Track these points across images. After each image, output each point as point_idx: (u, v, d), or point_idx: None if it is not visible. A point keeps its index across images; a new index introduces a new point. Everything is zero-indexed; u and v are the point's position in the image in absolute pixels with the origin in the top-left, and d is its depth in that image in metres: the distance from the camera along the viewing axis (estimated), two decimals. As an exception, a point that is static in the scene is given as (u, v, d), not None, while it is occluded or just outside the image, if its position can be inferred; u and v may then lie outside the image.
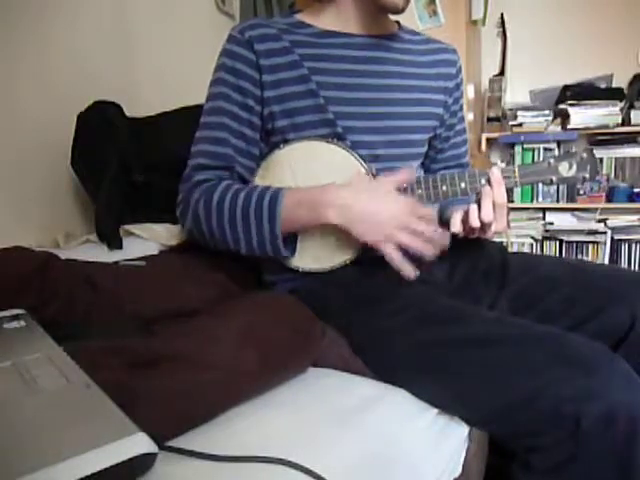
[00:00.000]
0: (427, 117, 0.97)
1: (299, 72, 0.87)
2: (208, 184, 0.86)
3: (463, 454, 0.72)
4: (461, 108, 1.07)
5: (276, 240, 0.81)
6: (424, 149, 1.01)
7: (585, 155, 0.86)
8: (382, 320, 0.77)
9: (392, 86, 0.93)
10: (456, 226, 0.86)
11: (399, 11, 0.88)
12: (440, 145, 1.06)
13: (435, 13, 1.32)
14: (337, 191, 0.80)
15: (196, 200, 0.86)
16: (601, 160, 2.76)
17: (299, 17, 0.94)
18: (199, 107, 0.92)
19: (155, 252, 1.06)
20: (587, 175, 0.86)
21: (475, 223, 0.83)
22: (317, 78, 0.88)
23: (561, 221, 2.86)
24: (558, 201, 2.84)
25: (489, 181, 0.83)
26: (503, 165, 2.88)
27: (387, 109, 0.92)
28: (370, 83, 0.91)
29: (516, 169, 0.85)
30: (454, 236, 1.02)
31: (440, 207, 1.05)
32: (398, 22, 1.01)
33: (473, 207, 0.83)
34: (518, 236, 2.92)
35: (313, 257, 0.88)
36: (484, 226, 0.83)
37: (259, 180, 0.90)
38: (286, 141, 0.89)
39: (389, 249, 0.78)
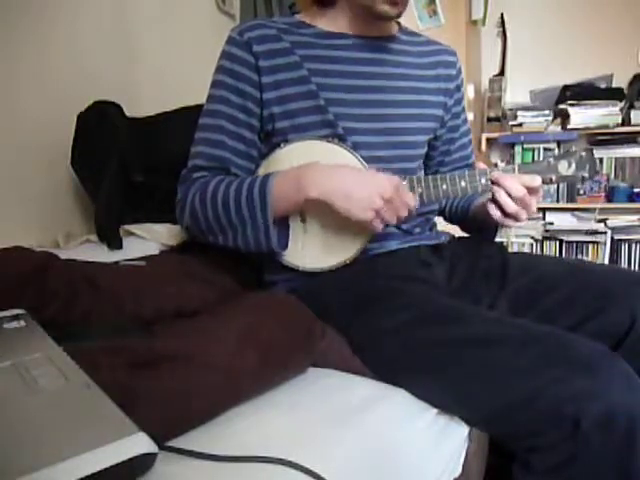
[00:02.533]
0: (427, 119, 0.98)
1: (299, 73, 0.87)
2: (203, 180, 0.87)
3: (463, 454, 0.72)
4: (464, 110, 1.07)
5: (267, 223, 0.81)
6: (424, 150, 1.01)
7: (584, 154, 0.86)
8: (382, 320, 0.77)
9: (392, 88, 0.93)
10: (497, 214, 0.86)
11: (393, 19, 0.89)
12: (446, 147, 1.06)
13: (435, 13, 1.32)
14: (318, 167, 0.81)
15: (192, 195, 0.87)
16: (601, 160, 2.77)
17: (300, 17, 0.94)
18: (199, 107, 0.92)
19: (155, 252, 1.06)
20: (586, 174, 0.87)
21: (511, 208, 0.83)
22: (317, 79, 0.88)
23: (561, 221, 2.86)
24: (558, 201, 2.85)
25: (493, 182, 0.84)
26: (503, 165, 2.89)
27: (387, 111, 0.92)
28: (370, 85, 0.91)
29: (516, 168, 0.85)
30: (454, 235, 1.03)
31: (461, 205, 1.06)
32: (399, 23, 1.01)
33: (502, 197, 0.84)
34: (518, 236, 2.92)
35: (313, 256, 0.89)
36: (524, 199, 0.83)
37: (259, 179, 0.91)
38: (287, 141, 0.89)
39: (377, 226, 0.80)
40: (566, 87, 2.75)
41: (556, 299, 0.82)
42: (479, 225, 1.00)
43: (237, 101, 0.88)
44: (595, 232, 2.79)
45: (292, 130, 0.88)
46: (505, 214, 0.85)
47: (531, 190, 0.83)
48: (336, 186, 0.79)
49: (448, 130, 1.04)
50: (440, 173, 1.07)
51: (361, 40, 0.92)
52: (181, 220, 0.91)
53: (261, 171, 0.91)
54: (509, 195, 0.83)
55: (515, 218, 0.86)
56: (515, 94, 2.93)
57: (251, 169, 0.91)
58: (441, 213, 1.13)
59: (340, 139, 0.88)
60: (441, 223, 1.10)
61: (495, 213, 0.86)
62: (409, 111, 0.94)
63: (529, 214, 0.86)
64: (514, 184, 0.82)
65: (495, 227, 0.99)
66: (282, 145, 0.89)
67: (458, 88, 1.04)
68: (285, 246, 0.88)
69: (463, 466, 0.72)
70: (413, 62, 0.97)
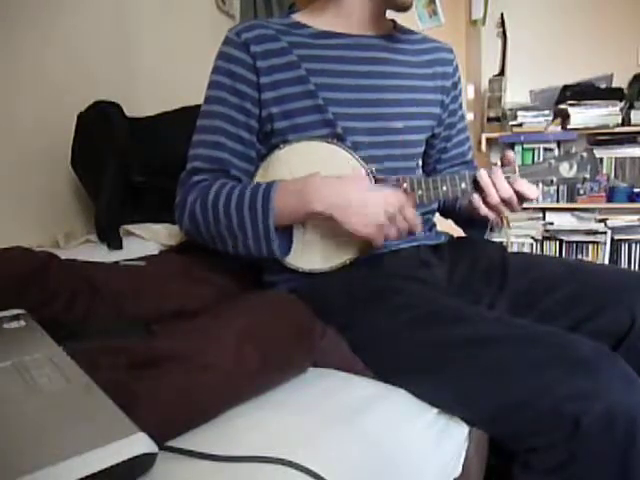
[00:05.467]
0: (425, 117, 0.98)
1: (297, 73, 0.87)
2: (204, 184, 0.87)
3: (463, 454, 0.72)
4: (460, 106, 1.07)
5: (269, 233, 0.81)
6: (422, 149, 1.02)
7: (585, 155, 0.86)
8: (382, 320, 0.77)
9: (389, 87, 0.93)
10: (483, 209, 0.86)
11: (407, 9, 0.90)
12: (443, 144, 1.06)
13: (435, 13, 1.32)
14: (323, 179, 0.81)
15: (193, 200, 0.86)
16: (601, 160, 2.77)
17: (296, 17, 0.94)
18: (199, 107, 0.92)
19: (155, 252, 1.06)
20: (587, 175, 0.86)
21: (495, 200, 0.83)
22: (315, 79, 0.88)
23: (561, 221, 2.86)
24: (558, 201, 2.85)
25: (477, 185, 0.84)
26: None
27: (385, 110, 0.92)
28: (368, 84, 0.91)
29: (516, 169, 0.85)
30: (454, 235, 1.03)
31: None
32: (394, 21, 1.01)
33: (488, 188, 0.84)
34: (518, 236, 2.92)
35: (313, 257, 0.88)
36: (510, 200, 0.84)
37: (259, 180, 0.90)
38: (286, 142, 0.89)
39: (380, 241, 0.80)
40: (566, 87, 2.75)
41: (556, 299, 0.82)
42: (468, 218, 1.00)
43: (235, 102, 0.87)
44: (595, 232, 2.79)
45: (291, 130, 0.88)
46: (487, 203, 0.85)
47: (521, 197, 0.84)
48: (340, 201, 0.79)
49: (445, 127, 1.04)
50: (437, 170, 1.08)
51: (358, 39, 0.92)
52: (180, 223, 0.91)
53: (260, 172, 0.91)
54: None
55: (495, 211, 0.86)
56: (515, 94, 2.93)
57: (250, 170, 0.91)
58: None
59: (339, 139, 0.88)
60: (441, 223, 1.10)
61: (479, 203, 0.86)
62: (407, 110, 0.94)
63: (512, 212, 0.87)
64: (504, 182, 0.83)
65: (485, 223, 0.99)
66: (281, 146, 0.89)
67: (455, 85, 1.04)
68: (287, 252, 0.88)
69: (463, 466, 0.72)
70: (410, 60, 0.97)
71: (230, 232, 0.84)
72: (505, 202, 0.84)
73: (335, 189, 0.80)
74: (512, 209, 0.86)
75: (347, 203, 0.79)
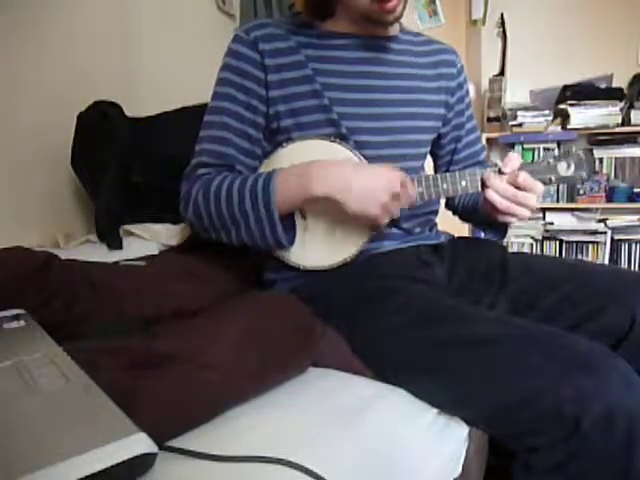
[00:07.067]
0: (429, 118, 0.98)
1: (303, 72, 0.88)
2: (208, 176, 0.87)
3: (463, 454, 0.72)
4: (468, 107, 1.08)
5: (271, 215, 0.81)
6: (427, 149, 1.02)
7: (582, 155, 0.87)
8: (382, 320, 0.77)
9: (394, 87, 0.93)
10: (501, 218, 0.87)
11: (392, 23, 0.89)
12: (453, 145, 1.07)
13: (435, 13, 1.32)
14: (323, 163, 0.81)
15: (196, 191, 0.86)
16: (601, 160, 2.76)
17: (304, 18, 0.94)
18: (199, 107, 0.93)
19: (155, 252, 1.06)
20: (585, 175, 0.87)
21: (503, 206, 0.83)
22: (321, 79, 0.88)
23: (561, 221, 2.86)
24: (558, 201, 2.84)
25: (484, 184, 0.84)
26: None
27: (389, 110, 0.92)
28: (373, 84, 0.91)
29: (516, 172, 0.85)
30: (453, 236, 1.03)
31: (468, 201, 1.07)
32: (400, 23, 1.01)
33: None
34: (518, 236, 2.92)
35: (314, 255, 0.89)
36: (518, 198, 0.83)
37: (261, 177, 0.90)
38: (289, 140, 0.89)
39: (385, 221, 0.81)
40: (566, 87, 2.75)
41: (556, 299, 0.82)
42: (487, 221, 0.99)
43: (242, 98, 0.88)
44: (595, 232, 2.79)
45: (296, 128, 0.89)
46: (498, 211, 0.85)
47: (527, 188, 0.83)
48: (343, 184, 0.79)
49: (453, 128, 1.05)
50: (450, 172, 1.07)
51: (363, 40, 0.93)
52: (184, 214, 0.91)
53: (262, 169, 0.91)
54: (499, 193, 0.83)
55: (511, 214, 0.85)
56: (515, 94, 2.92)
57: (255, 167, 0.91)
58: (454, 212, 1.13)
59: (343, 138, 0.88)
60: (441, 223, 1.10)
61: (488, 209, 0.86)
62: (411, 110, 0.95)
63: (529, 209, 0.84)
64: (501, 184, 0.82)
65: (504, 224, 0.99)
66: (284, 144, 0.89)
67: (460, 86, 1.04)
68: (292, 239, 0.87)
69: (463, 466, 0.72)
70: (414, 62, 0.97)
71: (232, 219, 0.83)
72: (515, 202, 0.83)
73: (335, 173, 0.80)
74: (526, 206, 0.84)
75: (349, 186, 0.79)
